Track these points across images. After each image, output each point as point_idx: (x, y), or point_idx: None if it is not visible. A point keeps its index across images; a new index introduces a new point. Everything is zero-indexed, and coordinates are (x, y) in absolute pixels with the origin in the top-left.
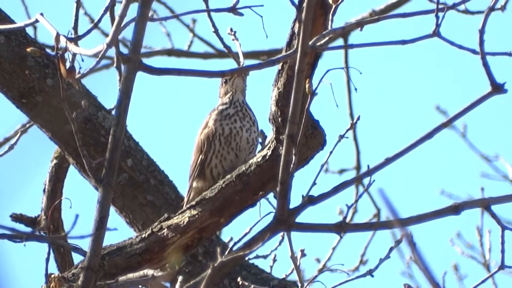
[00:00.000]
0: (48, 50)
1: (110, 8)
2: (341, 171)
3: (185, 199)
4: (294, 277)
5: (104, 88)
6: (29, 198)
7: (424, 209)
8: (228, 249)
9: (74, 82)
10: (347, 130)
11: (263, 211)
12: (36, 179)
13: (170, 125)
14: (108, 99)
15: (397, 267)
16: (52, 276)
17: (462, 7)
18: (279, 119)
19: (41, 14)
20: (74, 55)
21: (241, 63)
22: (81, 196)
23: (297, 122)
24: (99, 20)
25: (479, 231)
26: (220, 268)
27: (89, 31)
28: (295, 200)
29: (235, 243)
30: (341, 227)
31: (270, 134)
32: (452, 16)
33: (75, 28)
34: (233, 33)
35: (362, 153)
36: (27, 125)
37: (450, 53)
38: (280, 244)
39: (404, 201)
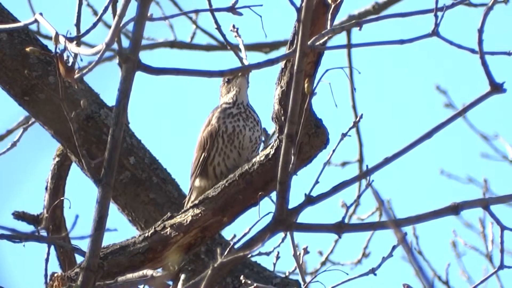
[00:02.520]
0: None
1: (112, 5)
2: (344, 164)
3: (187, 198)
4: (297, 274)
5: (106, 84)
6: (31, 196)
7: (423, 193)
8: (228, 249)
9: (73, 82)
10: (350, 129)
11: (265, 210)
12: (38, 177)
13: (172, 123)
14: (110, 95)
15: (399, 264)
16: (55, 275)
17: None
18: (282, 117)
19: (40, 14)
20: (74, 55)
21: (244, 60)
22: (83, 194)
23: (296, 122)
24: (99, 19)
25: (482, 222)
26: (220, 268)
27: (88, 31)
28: (298, 199)
29: (234, 243)
30: (340, 228)
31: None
32: (451, 14)
33: (78, 25)
34: (235, 30)
35: (364, 146)
36: (30, 122)
37: (450, 52)
38: (283, 241)
39: (404, 182)
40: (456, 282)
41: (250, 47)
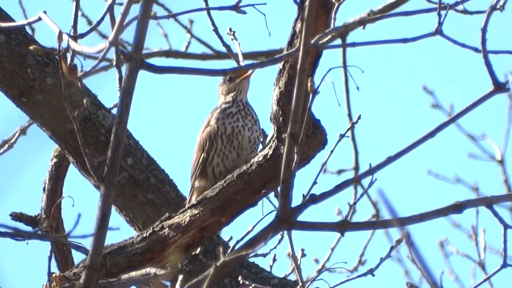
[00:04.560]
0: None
1: (111, 12)
2: (340, 172)
3: (188, 198)
4: (293, 276)
5: (103, 86)
6: (27, 197)
7: (411, 194)
8: (231, 248)
9: (76, 81)
10: (348, 130)
11: (264, 210)
12: (34, 178)
13: (170, 124)
14: (107, 97)
15: (397, 266)
16: (54, 275)
17: (460, 7)
18: (280, 118)
19: (44, 12)
20: (74, 53)
21: (240, 62)
22: (81, 195)
23: (299, 121)
24: (102, 19)
25: (474, 229)
26: (222, 268)
27: (90, 30)
28: (295, 200)
29: (237, 242)
30: (343, 226)
31: (271, 133)
32: (453, 15)
33: (75, 26)
34: (232, 33)
35: (360, 154)
36: (26, 124)
37: (451, 52)
38: (279, 242)
39: (391, 183)
40: (444, 282)
41: (245, 56)
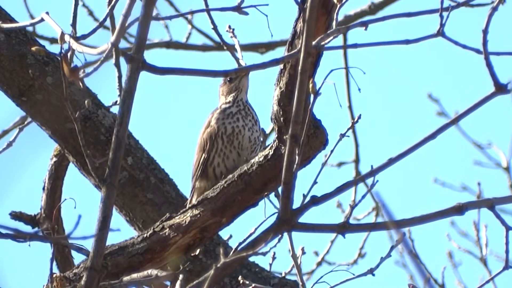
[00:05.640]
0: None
1: (111, 8)
2: (340, 164)
3: (189, 199)
4: (293, 273)
5: (102, 82)
6: (26, 196)
7: (417, 201)
8: (233, 249)
9: (77, 82)
10: (348, 129)
11: (261, 210)
12: (34, 177)
13: (170, 124)
14: (106, 93)
15: (397, 267)
16: (54, 275)
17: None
18: (281, 118)
19: (47, 13)
20: (73, 53)
21: (240, 60)
22: (80, 195)
23: (301, 122)
24: (105, 19)
25: (476, 225)
26: (223, 269)
27: (94, 30)
28: (296, 198)
29: (239, 244)
30: (344, 228)
31: (269, 128)
32: (455, 15)
33: (74, 26)
34: (231, 30)
35: (360, 146)
36: (26, 122)
37: (452, 52)
38: (279, 241)
39: (397, 191)
40: None
41: (246, 47)
